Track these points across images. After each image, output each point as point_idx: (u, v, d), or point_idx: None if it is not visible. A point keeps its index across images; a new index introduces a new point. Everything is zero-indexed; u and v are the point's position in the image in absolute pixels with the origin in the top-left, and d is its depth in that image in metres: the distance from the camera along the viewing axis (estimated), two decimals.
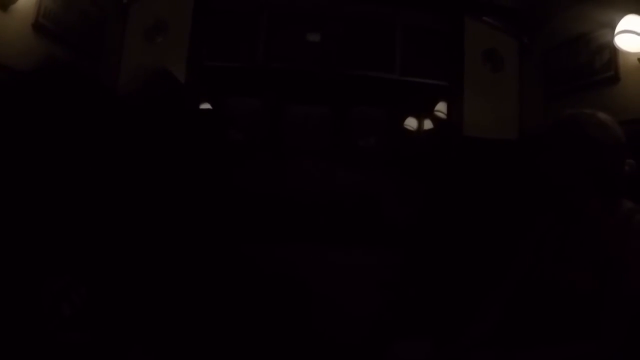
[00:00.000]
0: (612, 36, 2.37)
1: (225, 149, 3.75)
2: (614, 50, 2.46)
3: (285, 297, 2.99)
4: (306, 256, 3.08)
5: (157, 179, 1.92)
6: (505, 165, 3.27)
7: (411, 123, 4.19)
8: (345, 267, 3.11)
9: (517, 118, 3.42)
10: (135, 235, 1.76)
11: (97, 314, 1.54)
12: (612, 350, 1.39)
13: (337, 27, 3.65)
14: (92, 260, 1.57)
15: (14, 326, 1.36)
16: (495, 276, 1.91)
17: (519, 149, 3.29)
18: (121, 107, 1.93)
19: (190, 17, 3.20)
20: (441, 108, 3.68)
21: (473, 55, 3.42)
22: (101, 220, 1.65)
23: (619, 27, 2.30)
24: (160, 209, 1.88)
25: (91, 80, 2.00)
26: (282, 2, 3.51)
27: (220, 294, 2.57)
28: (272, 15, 3.44)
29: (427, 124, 4.09)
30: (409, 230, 3.33)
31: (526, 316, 1.69)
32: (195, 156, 2.60)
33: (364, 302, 3.08)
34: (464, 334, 1.75)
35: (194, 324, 1.99)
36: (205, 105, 3.62)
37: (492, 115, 3.41)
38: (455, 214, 3.26)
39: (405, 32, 3.54)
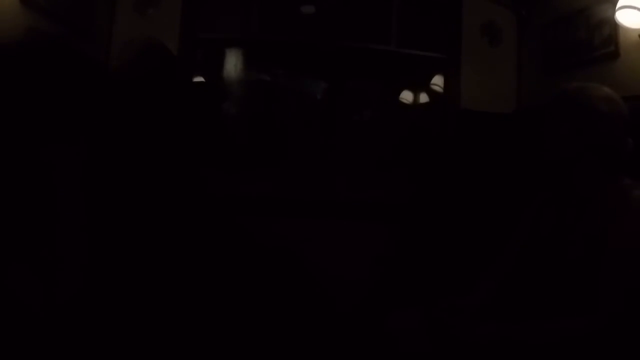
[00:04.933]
0: (613, 11, 2.34)
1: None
2: (614, 26, 2.43)
3: (282, 270, 3.01)
4: (302, 230, 3.09)
5: (150, 155, 1.90)
6: (503, 139, 3.27)
7: (407, 96, 4.14)
8: (341, 241, 3.13)
9: (515, 92, 3.41)
10: (130, 215, 1.74)
11: (97, 302, 1.54)
12: (607, 324, 1.41)
13: None
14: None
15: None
16: (492, 251, 1.92)
17: (516, 123, 3.28)
18: (111, 81, 1.90)
19: None
20: (438, 81, 3.64)
21: (471, 28, 3.38)
22: (93, 202, 1.64)
23: (620, 2, 2.27)
24: (155, 186, 1.87)
25: (79, 53, 1.95)
26: None
27: (218, 269, 2.57)
28: None
29: (424, 97, 4.05)
30: (407, 205, 3.34)
31: (523, 291, 1.71)
32: (188, 130, 2.58)
33: (359, 275, 3.11)
34: (458, 307, 1.77)
35: (190, 306, 1.99)
36: (199, 78, 3.58)
37: (489, 88, 3.39)
38: (452, 188, 3.26)
39: (402, 4, 3.49)
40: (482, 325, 1.62)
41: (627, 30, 2.36)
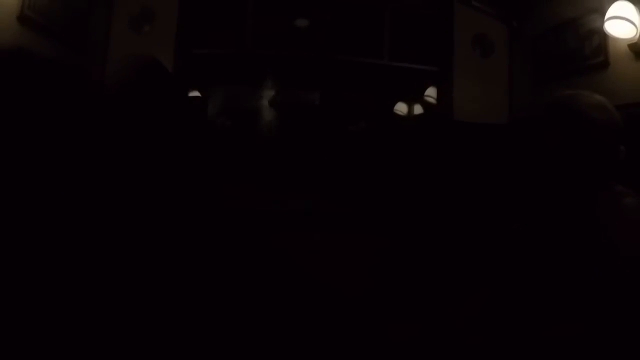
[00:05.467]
0: (602, 22, 2.37)
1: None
2: (604, 36, 2.46)
3: (278, 283, 3.01)
4: (298, 242, 3.09)
5: (147, 170, 1.90)
6: (496, 150, 3.29)
7: (401, 108, 4.18)
8: (337, 253, 3.13)
9: (507, 103, 3.43)
10: (127, 227, 1.75)
11: (94, 307, 1.54)
12: (601, 330, 1.41)
13: (325, 12, 3.62)
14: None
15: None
16: (487, 260, 1.93)
17: (509, 133, 3.30)
18: (107, 98, 1.91)
19: (177, 5, 3.16)
20: (431, 93, 3.67)
21: (463, 40, 3.41)
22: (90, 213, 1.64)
23: (609, 13, 2.30)
24: (152, 201, 1.87)
25: (69, 70, 1.96)
26: None
27: (214, 282, 2.57)
28: (259, 0, 3.40)
29: (417, 109, 4.08)
30: (402, 215, 3.35)
31: (517, 298, 1.71)
32: (184, 145, 2.59)
33: (356, 286, 3.10)
34: (455, 315, 1.77)
35: (189, 314, 1.99)
36: (194, 94, 3.59)
37: (482, 100, 3.41)
38: (447, 198, 3.27)
39: (394, 17, 3.52)
40: (479, 333, 1.62)
41: (617, 40, 2.39)
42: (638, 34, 2.29)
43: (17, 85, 1.59)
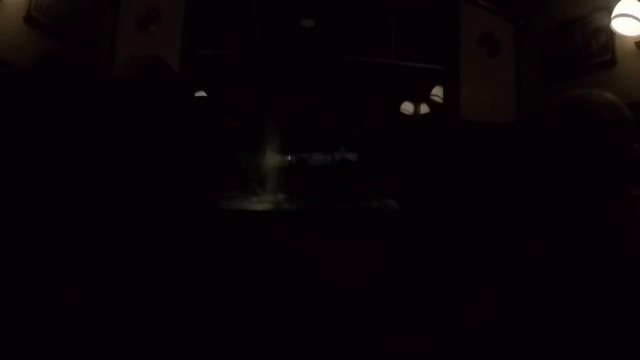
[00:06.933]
0: (609, 19, 2.35)
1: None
2: (611, 34, 2.45)
3: (285, 284, 3.00)
4: (305, 242, 3.09)
5: (156, 170, 1.91)
6: (503, 149, 3.28)
7: (407, 108, 4.17)
8: (343, 253, 3.12)
9: (514, 102, 3.41)
10: (135, 226, 1.75)
11: (98, 307, 1.54)
12: (610, 337, 1.39)
13: (331, 12, 3.62)
14: (93, 252, 1.57)
15: (15, 322, 1.36)
16: (495, 262, 1.91)
17: (517, 133, 3.29)
18: (124, 97, 1.91)
19: (183, 5, 3.17)
20: (437, 92, 3.67)
21: (469, 39, 3.40)
22: (102, 212, 1.65)
23: (616, 10, 2.28)
24: (159, 200, 1.88)
25: (92, 72, 1.97)
26: None
27: (220, 282, 2.57)
28: (265, 0, 3.41)
29: (424, 109, 4.07)
30: (408, 216, 3.34)
31: (526, 302, 1.69)
32: (191, 145, 2.59)
33: (363, 287, 3.10)
34: (462, 321, 1.75)
35: (193, 314, 1.99)
36: (200, 94, 3.60)
37: (489, 99, 3.40)
38: (454, 198, 3.26)
39: (400, 17, 3.52)
40: (486, 346, 1.61)
41: (623, 38, 2.38)
42: None
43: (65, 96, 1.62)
